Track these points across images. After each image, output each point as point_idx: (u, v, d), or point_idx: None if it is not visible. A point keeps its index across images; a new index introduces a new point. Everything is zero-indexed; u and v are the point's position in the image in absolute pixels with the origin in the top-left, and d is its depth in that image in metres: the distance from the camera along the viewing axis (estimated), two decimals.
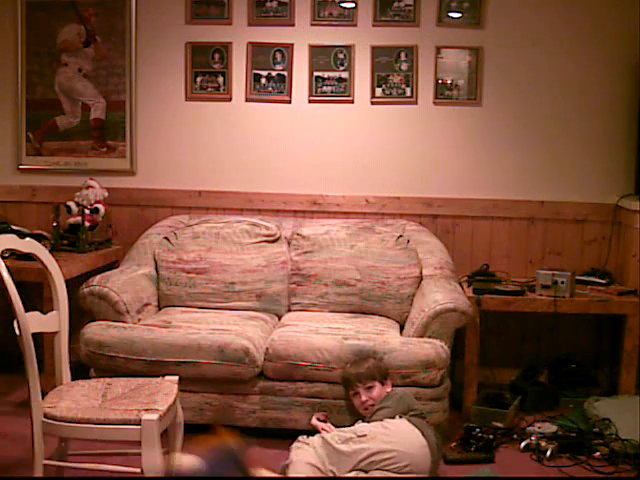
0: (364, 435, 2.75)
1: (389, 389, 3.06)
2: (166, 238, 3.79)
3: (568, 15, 3.90)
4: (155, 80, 4.15)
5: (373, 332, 3.29)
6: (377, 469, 2.69)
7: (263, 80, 4.08)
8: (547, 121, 3.97)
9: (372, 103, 4.04)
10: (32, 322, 2.47)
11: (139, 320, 3.45)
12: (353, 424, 2.91)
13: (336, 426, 3.00)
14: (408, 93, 4.01)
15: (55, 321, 2.65)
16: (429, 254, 3.75)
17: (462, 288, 3.63)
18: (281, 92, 4.07)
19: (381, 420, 2.85)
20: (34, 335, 2.44)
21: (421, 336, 3.24)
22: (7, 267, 2.40)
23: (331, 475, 2.66)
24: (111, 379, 2.74)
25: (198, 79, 4.12)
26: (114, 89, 4.17)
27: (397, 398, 2.98)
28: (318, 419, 3.11)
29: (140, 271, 3.68)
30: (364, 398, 3.02)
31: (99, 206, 3.94)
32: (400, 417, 2.86)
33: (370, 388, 3.03)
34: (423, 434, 2.77)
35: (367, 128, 4.06)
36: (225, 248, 3.73)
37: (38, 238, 3.35)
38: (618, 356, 3.63)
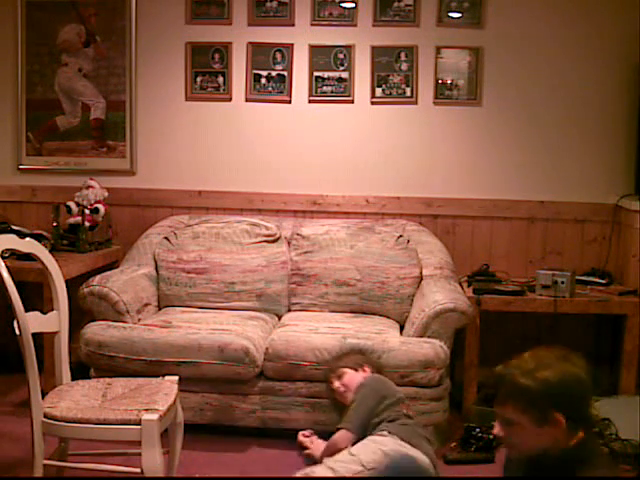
0: (372, 469, 2.62)
1: (364, 374, 3.00)
2: (166, 238, 3.79)
3: (568, 15, 3.90)
4: (155, 80, 4.15)
5: (373, 332, 3.29)
6: None
7: (263, 80, 4.08)
8: (547, 121, 3.96)
9: (372, 103, 4.04)
10: (32, 322, 2.46)
11: (139, 320, 3.45)
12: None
13: (324, 436, 2.96)
14: (408, 93, 4.01)
15: (55, 321, 2.65)
16: (429, 254, 3.75)
17: (462, 288, 3.63)
18: (281, 92, 4.07)
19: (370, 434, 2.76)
20: (34, 335, 2.44)
21: (421, 336, 3.23)
22: (7, 267, 2.40)
23: None
24: (111, 379, 2.74)
25: (198, 79, 4.12)
26: (114, 89, 4.17)
27: (368, 390, 2.90)
28: (304, 435, 3.12)
29: (140, 271, 3.68)
30: (336, 385, 3.03)
31: (99, 206, 3.94)
32: (390, 433, 2.73)
33: (341, 376, 3.03)
34: (422, 451, 2.69)
35: (367, 128, 4.06)
36: (225, 248, 3.73)
37: (38, 238, 3.35)
38: (618, 356, 3.62)
